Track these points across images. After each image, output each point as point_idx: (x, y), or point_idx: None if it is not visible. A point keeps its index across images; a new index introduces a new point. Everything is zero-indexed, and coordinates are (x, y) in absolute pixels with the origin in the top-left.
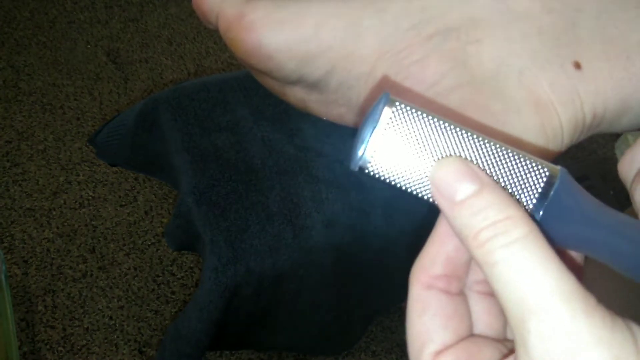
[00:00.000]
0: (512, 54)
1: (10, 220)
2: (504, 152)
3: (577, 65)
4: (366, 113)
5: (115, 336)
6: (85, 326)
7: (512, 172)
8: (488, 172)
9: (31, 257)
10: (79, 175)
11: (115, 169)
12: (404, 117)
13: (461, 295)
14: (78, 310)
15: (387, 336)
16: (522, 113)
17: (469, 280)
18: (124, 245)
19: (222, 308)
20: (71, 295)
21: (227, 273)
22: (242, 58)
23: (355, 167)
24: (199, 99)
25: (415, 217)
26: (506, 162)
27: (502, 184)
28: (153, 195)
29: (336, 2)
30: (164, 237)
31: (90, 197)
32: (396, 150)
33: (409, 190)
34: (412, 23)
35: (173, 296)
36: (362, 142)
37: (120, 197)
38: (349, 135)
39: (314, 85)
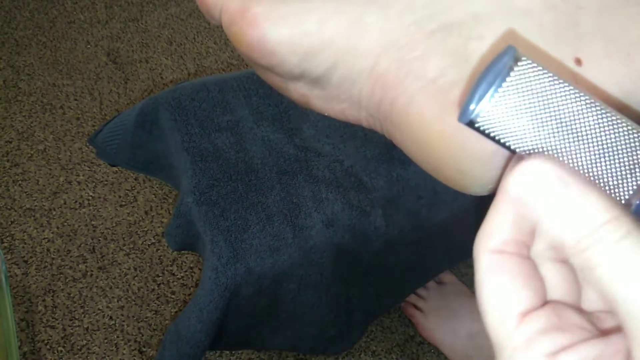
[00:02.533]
0: None
1: (10, 220)
2: (624, 126)
3: (578, 62)
4: (487, 65)
5: (115, 336)
6: (85, 326)
7: (629, 147)
8: (602, 145)
9: (31, 257)
10: (79, 175)
11: (115, 169)
12: (527, 75)
13: (532, 261)
14: (78, 310)
15: (387, 336)
16: None
17: (537, 248)
18: (124, 245)
19: (222, 308)
20: (71, 295)
21: (227, 273)
22: (245, 53)
23: (465, 121)
24: (199, 99)
25: (416, 217)
26: (623, 137)
27: (617, 159)
28: (153, 195)
29: None
30: (164, 237)
31: (90, 197)
32: (511, 109)
33: (514, 149)
34: (414, 18)
35: (173, 296)
36: (477, 96)
37: (120, 197)
38: (349, 135)
39: (316, 81)
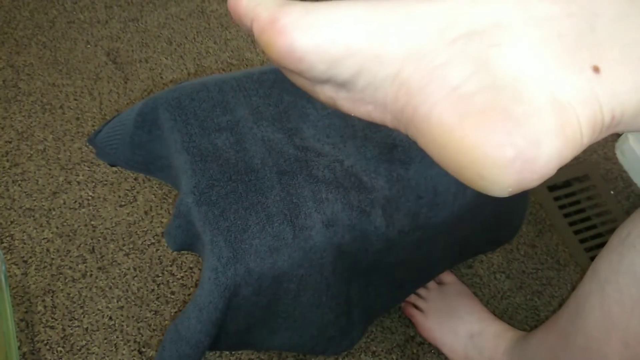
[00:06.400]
0: (532, 58)
1: (10, 220)
2: None
3: (596, 69)
4: None
5: (115, 336)
6: (85, 326)
7: None
8: None
9: (31, 257)
10: (78, 175)
11: (115, 169)
12: None
13: None
14: (78, 310)
15: (387, 336)
16: (542, 116)
17: None
18: (124, 245)
19: (222, 308)
20: (71, 295)
21: (227, 273)
22: (275, 59)
23: None
24: (199, 99)
25: (416, 217)
26: None
27: None
28: (153, 195)
29: (364, 6)
30: (163, 237)
31: (89, 197)
32: None
33: None
34: (436, 27)
35: (173, 296)
36: None
37: (120, 197)
38: (349, 135)
39: (342, 85)
